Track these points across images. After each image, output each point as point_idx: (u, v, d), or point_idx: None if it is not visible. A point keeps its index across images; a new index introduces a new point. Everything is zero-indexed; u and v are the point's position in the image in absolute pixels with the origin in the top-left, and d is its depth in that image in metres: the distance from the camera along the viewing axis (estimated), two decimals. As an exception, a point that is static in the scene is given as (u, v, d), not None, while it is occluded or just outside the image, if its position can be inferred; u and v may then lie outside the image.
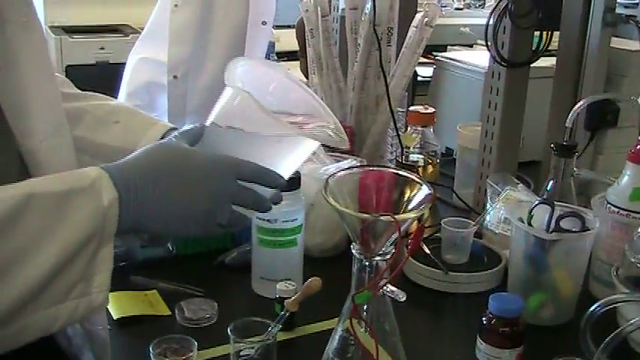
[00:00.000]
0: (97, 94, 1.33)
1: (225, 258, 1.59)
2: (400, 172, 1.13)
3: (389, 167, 1.39)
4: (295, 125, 1.05)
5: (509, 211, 1.57)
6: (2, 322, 0.81)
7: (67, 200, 0.85)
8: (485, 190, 1.77)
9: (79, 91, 1.31)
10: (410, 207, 1.08)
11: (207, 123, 1.04)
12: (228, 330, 1.20)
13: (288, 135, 1.02)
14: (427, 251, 1.59)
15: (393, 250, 1.08)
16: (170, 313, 1.41)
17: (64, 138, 1.07)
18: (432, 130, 1.98)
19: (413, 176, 1.11)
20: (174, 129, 1.27)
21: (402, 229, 1.02)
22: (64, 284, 0.85)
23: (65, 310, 0.86)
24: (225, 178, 0.98)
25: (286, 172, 1.05)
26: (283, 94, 1.09)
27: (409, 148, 1.95)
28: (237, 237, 1.63)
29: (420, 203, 1.07)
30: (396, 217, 1.01)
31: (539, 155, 2.05)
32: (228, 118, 1.03)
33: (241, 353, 1.21)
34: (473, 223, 1.64)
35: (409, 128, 1.99)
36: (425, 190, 1.08)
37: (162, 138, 1.24)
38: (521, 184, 1.71)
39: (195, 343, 1.27)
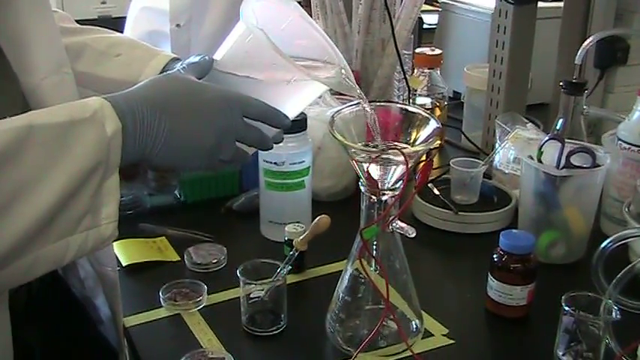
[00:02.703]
0: (98, 27, 1.31)
1: (233, 203, 1.58)
2: (408, 108, 1.12)
3: (396, 102, 1.37)
4: (307, 69, 1.02)
5: (518, 150, 1.56)
6: (13, 255, 0.80)
7: (69, 131, 0.83)
8: (494, 131, 1.76)
9: (79, 25, 1.29)
10: (418, 142, 1.07)
11: (216, 57, 1.02)
12: (238, 272, 1.19)
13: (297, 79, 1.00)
14: (436, 192, 1.58)
15: (402, 186, 1.07)
16: (179, 258, 1.41)
17: (67, 75, 1.06)
18: (439, 72, 1.95)
19: (420, 111, 1.10)
20: (177, 59, 1.25)
21: (410, 163, 1.00)
22: (71, 216, 0.84)
23: (75, 242, 0.85)
24: (232, 114, 0.96)
25: (292, 113, 1.03)
26: (295, 34, 1.07)
27: (416, 91, 1.93)
28: (244, 182, 1.63)
29: (429, 137, 1.05)
30: (403, 150, 1.00)
31: (547, 97, 2.02)
32: (239, 56, 1.01)
33: (251, 295, 1.20)
34: (482, 162, 1.62)
35: (416, 71, 1.97)
36: (433, 124, 1.07)
37: (165, 68, 1.22)
38: (530, 123, 1.69)
39: (205, 286, 1.28)
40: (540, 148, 1.39)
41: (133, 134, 0.89)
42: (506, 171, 1.65)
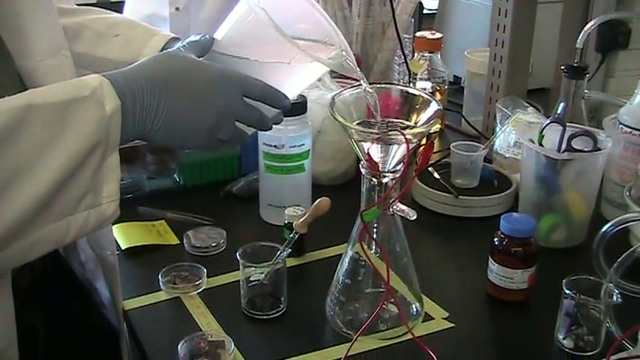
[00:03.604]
0: (95, 8, 1.30)
1: (233, 187, 1.58)
2: (408, 90, 1.11)
3: (397, 84, 1.36)
4: (308, 49, 1.01)
5: (519, 133, 1.55)
6: (15, 235, 0.80)
7: (68, 109, 0.83)
8: (495, 115, 1.75)
9: (76, 6, 1.29)
10: (419, 124, 1.06)
11: (217, 37, 1.01)
12: (237, 255, 1.19)
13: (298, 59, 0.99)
14: (437, 176, 1.57)
15: (402, 168, 1.06)
16: (178, 242, 1.41)
17: (65, 58, 1.05)
18: (439, 56, 1.94)
19: (421, 93, 1.09)
20: (177, 38, 1.24)
21: (410, 145, 1.00)
22: (72, 195, 0.84)
23: (76, 222, 0.85)
24: (232, 93, 0.96)
25: (291, 94, 1.03)
26: (296, 15, 1.06)
27: (417, 75, 1.92)
28: (244, 166, 1.62)
29: (429, 119, 1.05)
30: (404, 132, 0.99)
31: (548, 82, 2.01)
32: (239, 36, 1.00)
33: (251, 279, 1.20)
34: (483, 146, 1.61)
35: (416, 55, 1.96)
36: (434, 106, 1.06)
37: (164, 47, 1.21)
38: (531, 107, 1.69)
39: (205, 270, 1.28)
40: (541, 132, 1.38)
41: (132, 112, 0.88)
42: (507, 155, 1.65)
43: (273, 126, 1.04)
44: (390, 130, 1.02)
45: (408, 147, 0.99)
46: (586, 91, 1.61)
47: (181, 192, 1.60)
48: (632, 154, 1.45)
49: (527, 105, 1.70)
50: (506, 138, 1.66)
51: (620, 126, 1.47)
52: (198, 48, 1.00)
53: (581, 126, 1.43)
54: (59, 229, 0.85)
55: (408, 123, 1.06)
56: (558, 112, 1.61)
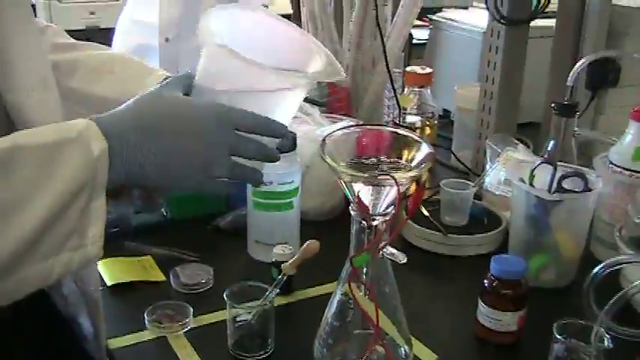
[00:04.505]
0: (92, 43, 1.30)
1: (220, 222, 1.56)
2: (399, 131, 1.10)
3: (387, 126, 1.35)
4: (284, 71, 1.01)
5: (509, 172, 1.54)
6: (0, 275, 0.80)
7: (55, 151, 0.83)
8: (485, 152, 1.74)
9: (73, 40, 1.28)
10: (411, 163, 1.05)
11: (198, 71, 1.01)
12: (225, 295, 1.17)
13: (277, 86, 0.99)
14: (426, 213, 1.56)
15: (393, 212, 1.05)
16: (165, 278, 1.39)
17: (51, 92, 1.04)
18: (429, 91, 1.94)
19: (412, 135, 1.08)
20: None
21: (401, 188, 0.99)
22: (57, 237, 0.84)
23: (61, 262, 0.85)
24: (221, 127, 0.95)
25: (286, 120, 1.02)
26: (268, 35, 1.06)
27: (406, 109, 1.92)
28: (232, 201, 1.60)
29: (420, 162, 1.04)
30: (395, 175, 0.98)
31: (537, 117, 2.02)
32: (212, 79, 1.00)
33: (238, 319, 1.18)
34: (472, 184, 1.61)
35: (406, 89, 1.96)
36: (425, 149, 1.05)
37: None
38: (521, 145, 1.68)
39: (191, 308, 1.26)
40: (532, 172, 1.37)
41: (120, 154, 0.88)
42: (497, 192, 1.64)
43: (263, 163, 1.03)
44: (381, 174, 1.01)
45: (399, 191, 0.98)
46: (576, 128, 1.61)
47: (168, 226, 1.59)
48: (622, 193, 1.45)
49: (517, 142, 1.69)
50: (496, 175, 1.65)
51: (610, 165, 1.47)
52: (184, 84, 0.99)
53: (572, 166, 1.43)
54: (44, 269, 0.84)
55: (399, 162, 1.05)
56: (549, 149, 1.60)
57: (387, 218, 1.06)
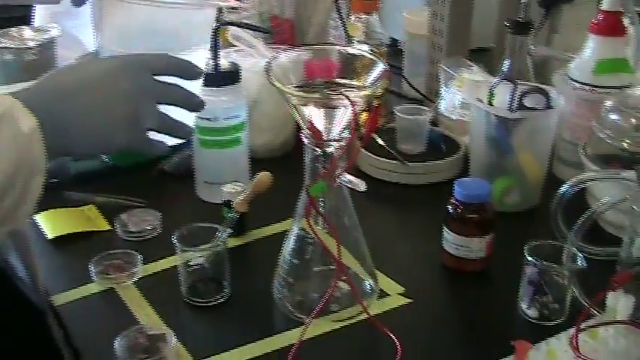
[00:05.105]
0: None
1: (166, 165, 1.48)
2: (350, 50, 1.03)
3: (337, 45, 1.28)
4: None
5: (467, 93, 1.48)
6: None
7: None
8: (437, 77, 1.68)
9: None
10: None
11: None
12: (174, 239, 1.10)
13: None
14: (381, 143, 1.49)
15: (348, 136, 0.98)
16: (110, 227, 1.31)
17: None
18: (377, 17, 1.86)
19: (364, 52, 1.01)
20: None
21: (356, 109, 0.92)
22: None
23: None
24: (137, 74, 0.91)
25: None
26: None
27: (353, 38, 1.83)
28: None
29: (375, 80, 0.96)
30: (349, 94, 0.91)
31: (488, 41, 1.95)
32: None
33: (190, 263, 1.12)
34: (428, 109, 1.54)
35: (352, 17, 1.87)
36: (379, 66, 0.98)
37: None
38: (476, 66, 1.62)
39: (140, 256, 1.20)
40: (492, 91, 1.31)
41: (49, 129, 0.83)
42: (454, 117, 1.58)
43: (207, 98, 0.99)
44: (333, 94, 0.94)
45: (354, 111, 0.90)
46: (531, 47, 1.55)
47: (110, 173, 1.49)
48: (583, 110, 1.39)
49: (471, 64, 1.63)
50: (451, 99, 1.59)
51: (571, 82, 1.41)
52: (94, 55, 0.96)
53: (532, 84, 1.37)
54: None
55: (353, 83, 0.98)
56: (504, 70, 1.54)
57: (343, 144, 0.99)
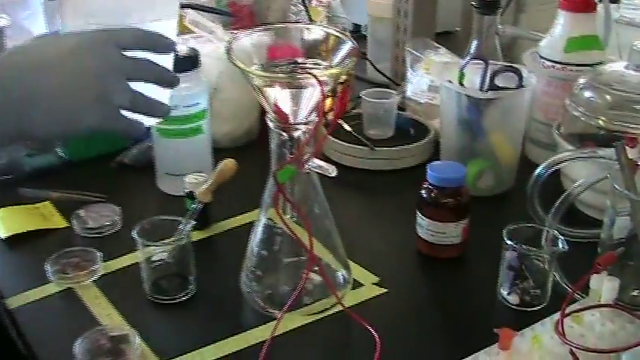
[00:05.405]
0: None
1: (125, 157, 1.42)
2: (315, 28, 0.98)
3: (301, 23, 1.23)
4: None
5: (436, 75, 1.44)
6: None
7: None
8: (403, 60, 1.63)
9: None
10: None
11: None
12: (134, 234, 1.05)
13: None
14: (348, 128, 1.45)
15: (316, 119, 0.93)
16: (67, 224, 1.25)
17: None
18: (339, 1, 1.82)
19: (331, 30, 0.96)
20: None
21: (325, 88, 0.87)
22: None
23: None
24: (105, 49, 0.85)
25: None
26: None
27: (315, 23, 1.79)
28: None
29: (344, 58, 0.91)
30: (316, 73, 0.85)
31: (452, 25, 1.92)
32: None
33: (153, 259, 1.07)
34: (395, 93, 1.50)
35: (314, 1, 1.83)
36: (347, 44, 0.93)
37: None
38: (443, 48, 1.58)
39: (99, 254, 1.14)
40: (462, 70, 1.27)
41: (5, 110, 0.81)
42: (422, 100, 1.54)
43: None
44: (299, 73, 0.89)
45: (323, 91, 0.85)
46: (499, 26, 1.51)
47: (67, 168, 1.44)
48: (555, 89, 1.37)
49: (438, 46, 1.59)
50: (419, 82, 1.54)
51: (541, 60, 1.38)
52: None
53: (502, 63, 1.33)
54: None
55: (320, 63, 0.92)
56: (472, 51, 1.50)
57: (310, 127, 0.93)
